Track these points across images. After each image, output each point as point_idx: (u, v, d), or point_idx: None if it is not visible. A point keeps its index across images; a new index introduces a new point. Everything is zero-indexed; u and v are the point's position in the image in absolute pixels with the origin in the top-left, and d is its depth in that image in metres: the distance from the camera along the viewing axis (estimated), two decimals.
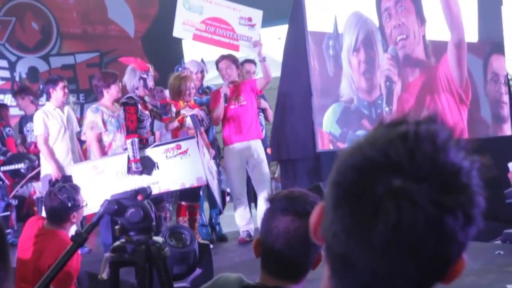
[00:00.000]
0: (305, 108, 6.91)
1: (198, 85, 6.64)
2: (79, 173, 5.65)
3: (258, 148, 6.40)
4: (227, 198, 7.59)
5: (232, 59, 6.49)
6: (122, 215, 2.50)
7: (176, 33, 6.58)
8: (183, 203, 6.20)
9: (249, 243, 6.15)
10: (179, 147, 5.70)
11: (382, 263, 0.75)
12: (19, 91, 8.05)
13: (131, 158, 5.50)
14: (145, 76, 5.74)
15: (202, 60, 6.90)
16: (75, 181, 5.60)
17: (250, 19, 6.53)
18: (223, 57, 6.52)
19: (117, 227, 2.54)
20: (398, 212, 0.72)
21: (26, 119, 7.84)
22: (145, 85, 5.76)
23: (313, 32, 6.94)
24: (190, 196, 6.17)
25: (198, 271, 3.84)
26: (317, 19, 7.04)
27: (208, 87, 6.87)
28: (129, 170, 5.50)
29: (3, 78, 9.64)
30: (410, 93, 7.67)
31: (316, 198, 1.83)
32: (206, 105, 6.55)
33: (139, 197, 2.56)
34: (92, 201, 5.21)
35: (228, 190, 7.29)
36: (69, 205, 3.77)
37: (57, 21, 10.11)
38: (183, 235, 3.92)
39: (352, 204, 0.75)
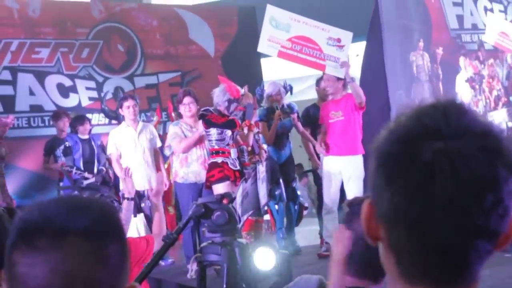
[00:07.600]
0: (383, 123, 6.88)
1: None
2: None
3: (354, 164, 6.28)
4: (304, 212, 7.63)
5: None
6: (209, 217, 2.64)
7: (261, 48, 6.59)
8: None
9: (327, 257, 6.12)
10: None
11: (448, 219, 0.78)
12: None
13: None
14: (232, 101, 5.95)
15: (285, 82, 6.85)
16: None
17: (339, 40, 6.46)
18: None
19: (203, 229, 2.68)
20: (453, 167, 0.77)
21: None
22: (228, 108, 5.97)
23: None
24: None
25: None
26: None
27: (288, 106, 6.77)
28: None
29: (91, 98, 10.05)
30: None
31: None
32: (287, 128, 6.66)
33: (225, 201, 2.70)
34: None
35: (306, 204, 7.33)
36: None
37: (141, 42, 10.48)
38: None
39: (404, 175, 0.80)
